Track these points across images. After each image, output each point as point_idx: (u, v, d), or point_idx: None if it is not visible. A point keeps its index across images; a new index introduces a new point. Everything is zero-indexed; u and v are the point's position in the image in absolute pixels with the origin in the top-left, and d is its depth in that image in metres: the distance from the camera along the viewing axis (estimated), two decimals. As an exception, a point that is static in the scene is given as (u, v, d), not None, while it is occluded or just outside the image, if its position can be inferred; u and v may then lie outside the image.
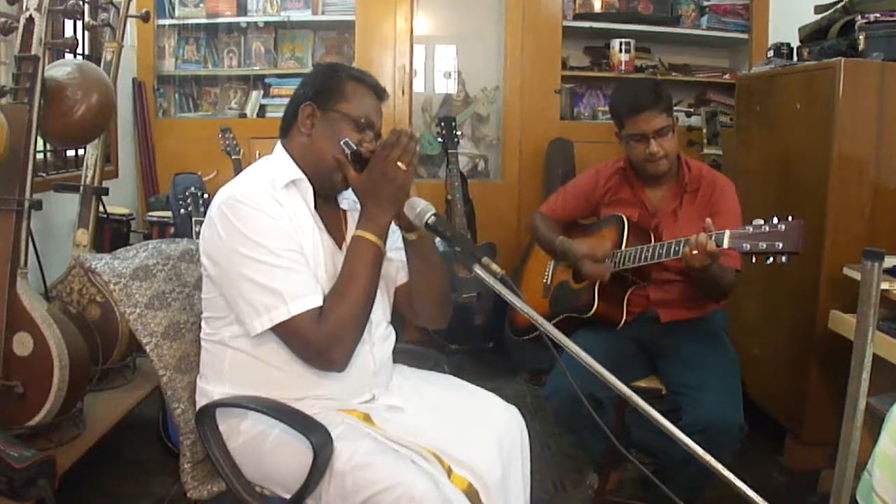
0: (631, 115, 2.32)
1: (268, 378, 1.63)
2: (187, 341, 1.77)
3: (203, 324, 1.72)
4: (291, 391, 1.63)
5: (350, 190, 1.72)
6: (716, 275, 2.13)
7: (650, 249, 2.21)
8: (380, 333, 1.78)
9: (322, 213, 1.72)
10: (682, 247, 2.09)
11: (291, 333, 1.57)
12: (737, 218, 2.31)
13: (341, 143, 1.66)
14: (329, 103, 1.69)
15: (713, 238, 1.97)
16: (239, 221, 1.56)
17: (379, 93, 1.75)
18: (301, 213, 1.67)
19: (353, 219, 1.76)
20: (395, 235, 1.73)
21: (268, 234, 1.56)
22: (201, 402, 1.69)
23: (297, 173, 1.68)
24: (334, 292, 1.60)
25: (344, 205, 1.80)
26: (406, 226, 1.70)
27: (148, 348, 1.70)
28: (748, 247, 1.88)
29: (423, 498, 1.41)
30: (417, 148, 1.65)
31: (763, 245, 1.85)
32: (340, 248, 1.72)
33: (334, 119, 1.69)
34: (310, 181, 1.69)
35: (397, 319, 1.88)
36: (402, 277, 1.82)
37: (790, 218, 1.84)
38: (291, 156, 1.71)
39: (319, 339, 1.55)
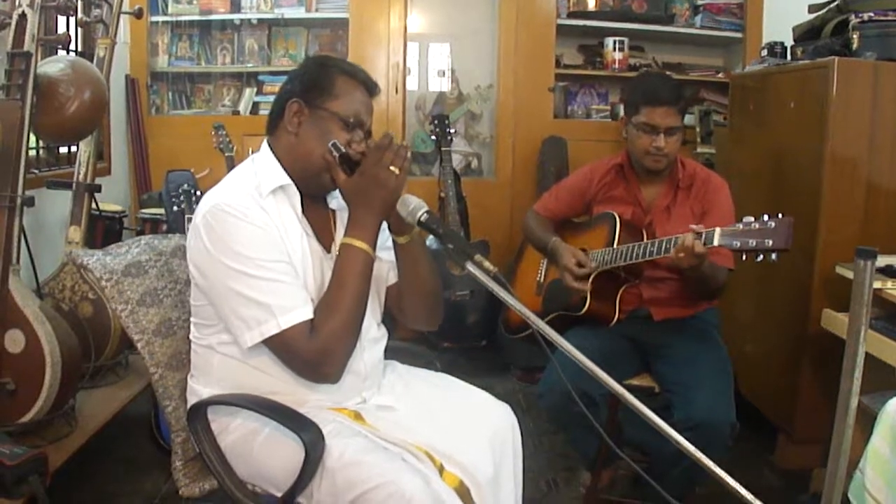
0: (650, 104, 2.31)
1: (258, 382, 1.61)
2: (179, 338, 1.75)
3: (192, 327, 1.70)
4: (281, 396, 1.60)
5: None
6: (707, 274, 2.14)
7: (641, 248, 2.21)
8: (371, 336, 1.74)
9: (310, 216, 1.67)
10: (672, 245, 2.08)
11: (282, 347, 1.54)
12: (730, 216, 2.31)
13: (329, 144, 1.60)
14: (317, 101, 1.63)
15: (703, 237, 1.97)
16: (225, 233, 1.52)
17: (370, 88, 1.69)
18: (288, 219, 1.62)
19: (341, 219, 1.71)
20: (384, 234, 1.68)
21: (255, 246, 1.52)
22: (192, 400, 1.67)
23: (284, 178, 1.63)
24: (325, 304, 1.56)
25: (333, 204, 1.75)
26: (396, 229, 1.67)
27: (139, 345, 1.68)
28: (738, 244, 1.88)
29: (414, 496, 1.41)
30: (409, 154, 1.60)
31: (753, 242, 1.85)
32: (329, 251, 1.68)
33: (322, 117, 1.62)
34: (297, 184, 1.64)
35: (388, 317, 1.85)
36: (392, 277, 1.78)
37: (780, 215, 1.84)
38: (277, 156, 1.66)
39: (311, 353, 1.52)
